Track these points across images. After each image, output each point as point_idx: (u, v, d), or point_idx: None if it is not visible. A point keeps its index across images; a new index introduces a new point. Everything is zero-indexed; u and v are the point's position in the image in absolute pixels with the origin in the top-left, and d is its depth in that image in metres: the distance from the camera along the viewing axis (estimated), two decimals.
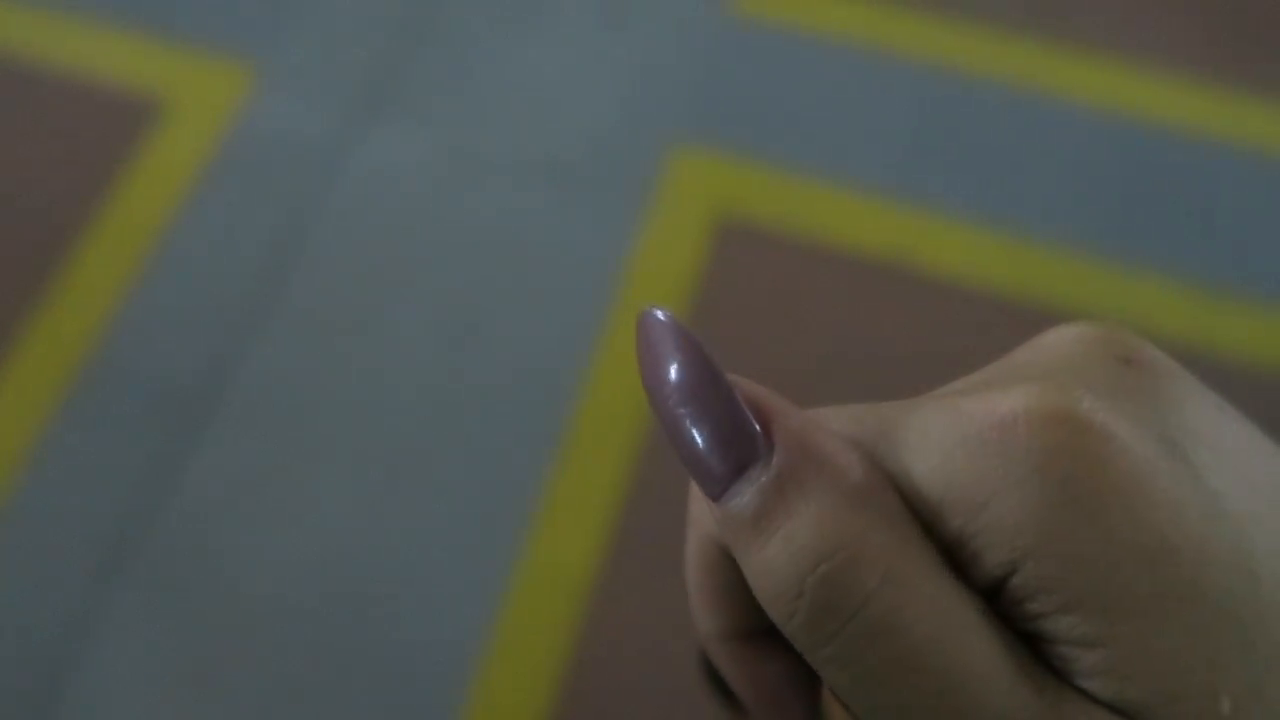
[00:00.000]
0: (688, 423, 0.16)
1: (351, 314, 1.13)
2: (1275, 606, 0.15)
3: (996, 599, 0.15)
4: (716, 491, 0.16)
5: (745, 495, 0.15)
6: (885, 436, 0.16)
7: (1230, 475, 0.16)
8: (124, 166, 1.20)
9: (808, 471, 0.15)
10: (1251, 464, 0.16)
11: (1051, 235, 1.20)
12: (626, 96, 1.27)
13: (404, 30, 1.31)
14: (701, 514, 0.18)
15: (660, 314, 0.17)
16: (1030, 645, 0.15)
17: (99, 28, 1.29)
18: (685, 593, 0.99)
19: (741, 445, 0.16)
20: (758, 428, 0.16)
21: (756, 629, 0.19)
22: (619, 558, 1.01)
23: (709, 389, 0.16)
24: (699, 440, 0.16)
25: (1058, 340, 0.18)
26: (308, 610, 0.98)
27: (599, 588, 1.00)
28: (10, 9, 1.30)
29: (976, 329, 1.14)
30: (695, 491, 0.19)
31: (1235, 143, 1.26)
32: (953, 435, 0.15)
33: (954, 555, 0.15)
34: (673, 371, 0.16)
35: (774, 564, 0.15)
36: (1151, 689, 0.14)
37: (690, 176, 1.22)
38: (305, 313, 1.12)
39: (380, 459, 1.05)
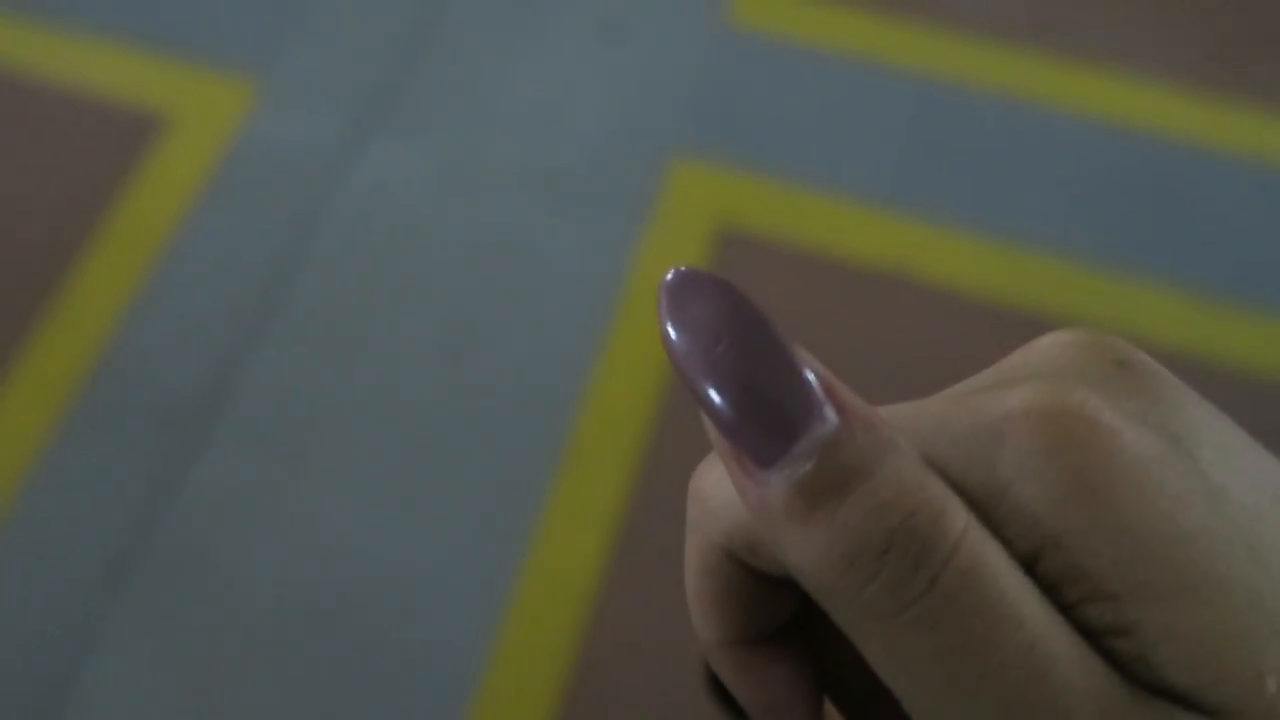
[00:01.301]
0: (736, 380, 0.15)
1: (353, 325, 1.13)
2: None
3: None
4: (772, 455, 0.15)
5: (810, 461, 0.15)
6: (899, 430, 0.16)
7: (1232, 471, 0.16)
8: (127, 180, 1.21)
9: (878, 436, 0.15)
10: (1250, 462, 0.16)
11: (1049, 243, 1.20)
12: (626, 109, 1.28)
13: (405, 45, 1.32)
14: (701, 517, 0.18)
15: (684, 271, 0.16)
16: None
17: (103, 43, 1.29)
18: (686, 599, 1.00)
19: (803, 408, 0.15)
20: (821, 391, 0.15)
21: (758, 634, 0.19)
22: (621, 564, 1.01)
23: (768, 346, 0.15)
24: (751, 399, 0.15)
25: (1053, 344, 0.18)
26: (310, 619, 0.98)
27: (602, 593, 1.00)
28: (13, 24, 1.30)
29: (975, 337, 1.14)
30: (695, 495, 0.18)
31: (1232, 151, 1.27)
32: (965, 428, 0.15)
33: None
34: (709, 323, 0.15)
35: (852, 524, 0.14)
36: (1190, 672, 0.14)
37: (690, 188, 1.23)
38: (307, 324, 1.13)
39: (383, 469, 1.05)
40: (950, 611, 0.14)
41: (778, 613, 0.19)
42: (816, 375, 0.15)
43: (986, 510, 0.15)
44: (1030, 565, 0.15)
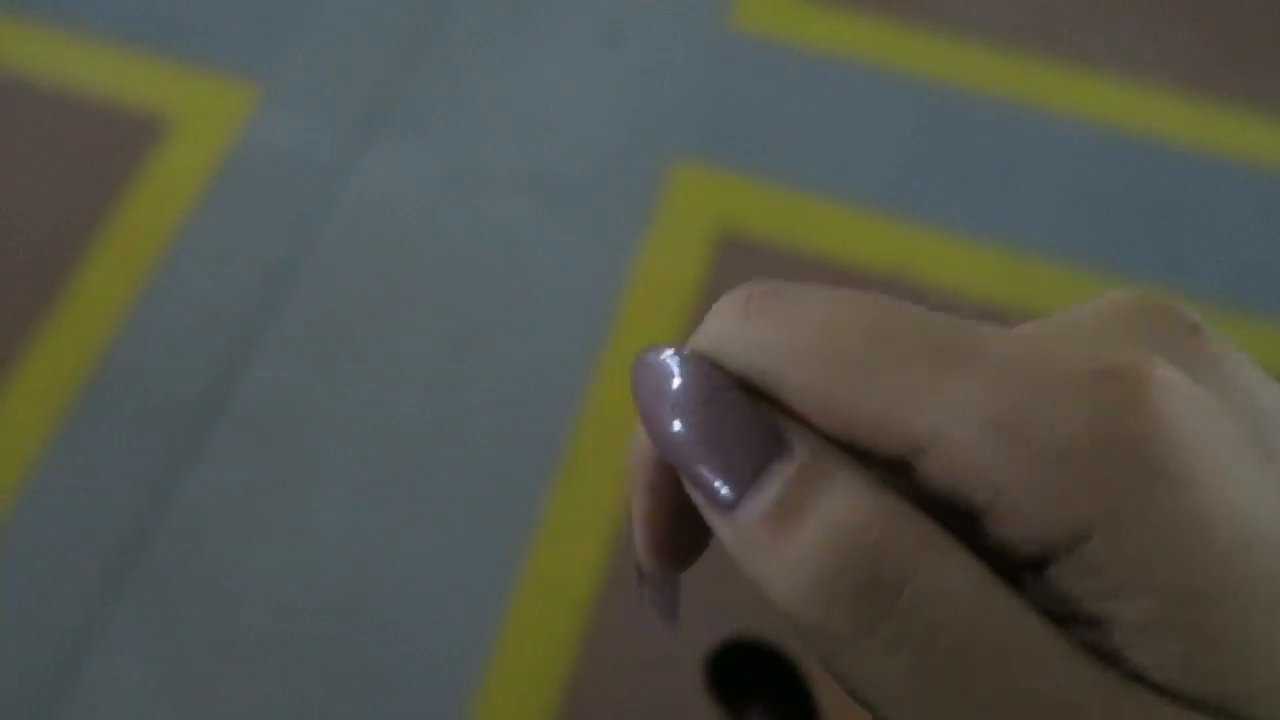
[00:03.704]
0: (696, 431, 0.16)
1: (352, 330, 1.13)
2: None
3: (1037, 573, 0.14)
4: (734, 497, 0.15)
5: (770, 491, 0.15)
6: (955, 351, 0.15)
7: None
8: (129, 183, 1.21)
9: (831, 460, 0.15)
10: None
11: (1049, 249, 1.20)
12: (627, 113, 1.28)
13: (406, 48, 1.32)
14: (643, 437, 0.18)
15: (653, 348, 0.17)
16: (1068, 630, 0.14)
17: (105, 46, 1.30)
18: (685, 606, 1.00)
19: (760, 446, 0.15)
20: (774, 428, 0.15)
21: (693, 551, 0.19)
22: (620, 570, 1.01)
23: (717, 394, 0.16)
24: (711, 447, 0.15)
25: (1113, 305, 0.17)
26: (306, 628, 0.98)
27: (600, 599, 1.00)
28: (15, 27, 1.31)
29: None
30: (638, 420, 0.18)
31: (1232, 157, 1.27)
32: (1032, 376, 0.14)
33: (994, 511, 0.14)
34: (675, 384, 0.16)
35: (807, 550, 0.14)
36: (1233, 682, 0.13)
37: (691, 192, 1.23)
38: (306, 329, 1.13)
39: (380, 476, 1.05)
40: (914, 631, 0.14)
41: (708, 530, 0.19)
42: (766, 415, 0.15)
43: (1028, 468, 0.14)
44: (1069, 544, 0.14)
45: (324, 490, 1.04)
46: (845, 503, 0.14)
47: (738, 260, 1.18)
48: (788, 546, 0.14)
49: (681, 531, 0.19)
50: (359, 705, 0.95)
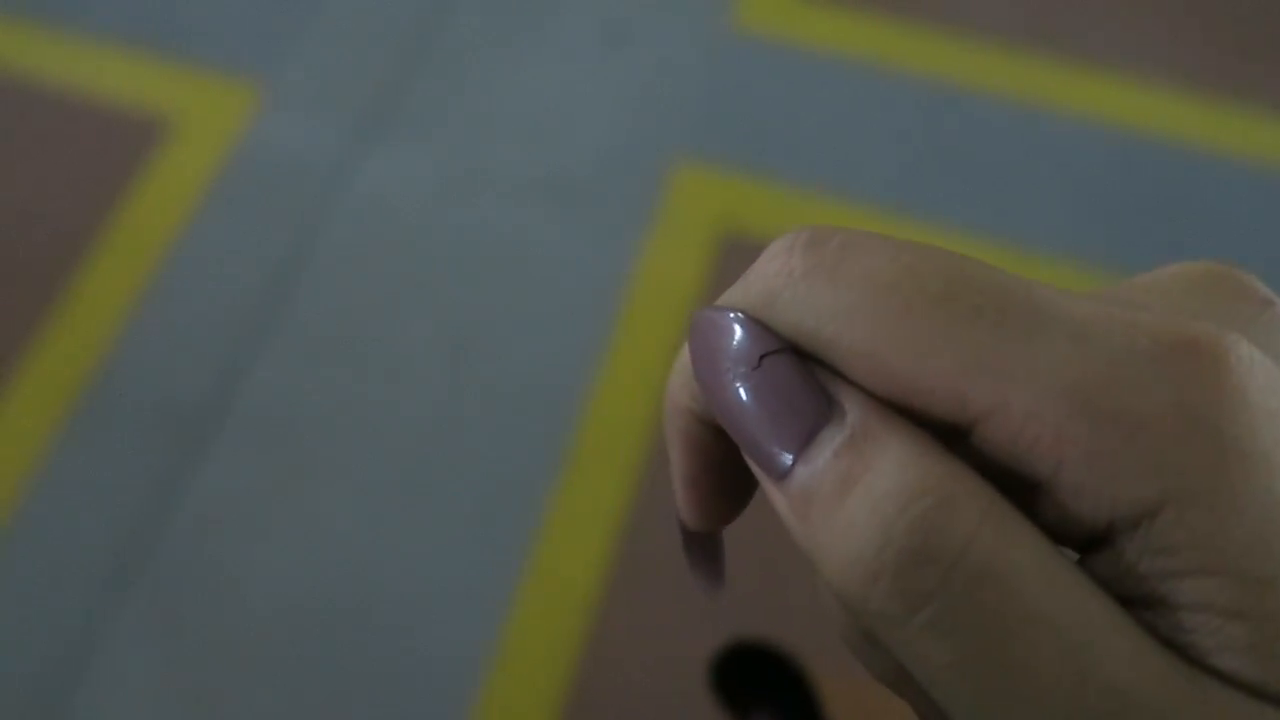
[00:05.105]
0: (750, 396, 0.15)
1: (354, 331, 1.13)
2: None
3: (1090, 552, 0.14)
4: (785, 465, 0.14)
5: (819, 459, 0.14)
6: (1022, 314, 0.14)
7: None
8: (131, 185, 1.21)
9: (884, 426, 0.14)
10: None
11: (1054, 247, 1.20)
12: (629, 113, 1.28)
13: (408, 50, 1.32)
14: (681, 388, 0.17)
15: (710, 308, 0.16)
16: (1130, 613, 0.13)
17: (107, 48, 1.29)
18: (689, 606, 1.00)
19: (811, 412, 0.14)
20: (827, 392, 0.14)
21: (735, 510, 0.19)
22: (624, 570, 1.01)
23: (769, 357, 0.15)
24: (763, 412, 0.15)
25: (1194, 273, 0.16)
26: (311, 628, 0.98)
27: (604, 600, 1.00)
28: (17, 28, 1.30)
29: None
30: (676, 367, 0.17)
31: (1237, 155, 1.27)
32: (1107, 344, 0.13)
33: (1057, 483, 0.13)
34: (732, 346, 0.15)
35: (853, 519, 0.13)
36: None
37: (693, 192, 1.23)
38: (309, 330, 1.13)
39: (384, 476, 1.05)
40: (968, 614, 0.13)
41: (749, 485, 0.18)
42: (817, 378, 0.15)
43: (1108, 435, 0.13)
44: (1141, 515, 0.13)
45: (327, 491, 1.04)
46: (896, 470, 0.13)
47: (740, 260, 1.18)
48: (835, 517, 0.14)
49: (723, 487, 0.18)
50: (362, 705, 0.95)
